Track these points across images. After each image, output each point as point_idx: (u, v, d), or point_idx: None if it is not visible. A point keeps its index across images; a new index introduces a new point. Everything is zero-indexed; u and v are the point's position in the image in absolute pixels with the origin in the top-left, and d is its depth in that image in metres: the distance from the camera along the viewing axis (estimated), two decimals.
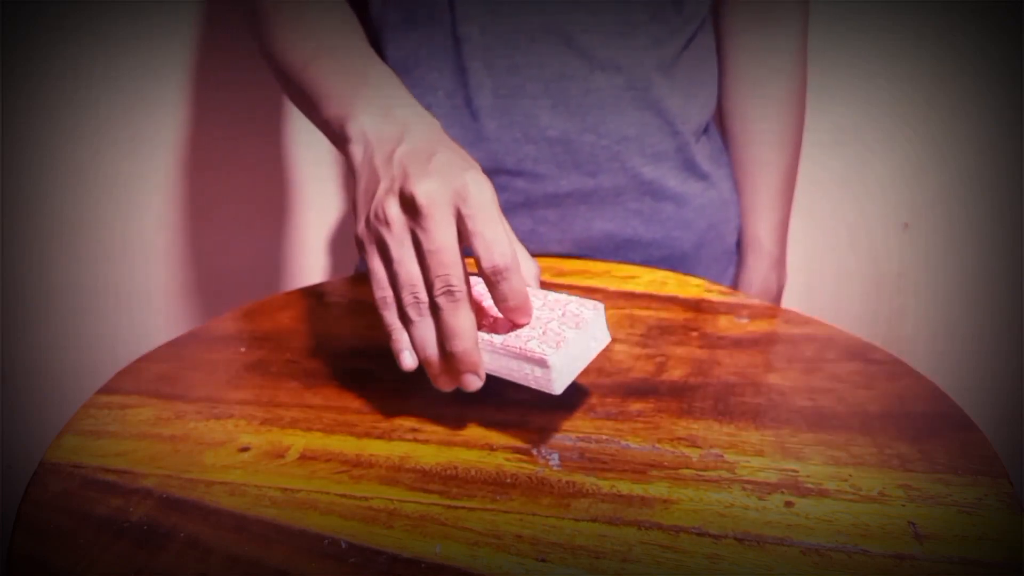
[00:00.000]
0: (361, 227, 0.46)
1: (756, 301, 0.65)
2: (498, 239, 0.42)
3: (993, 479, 0.44)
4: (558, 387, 0.44)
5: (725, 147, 0.80)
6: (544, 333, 0.45)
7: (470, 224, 0.42)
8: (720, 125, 0.81)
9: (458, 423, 0.48)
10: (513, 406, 0.50)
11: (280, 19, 0.63)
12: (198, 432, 0.47)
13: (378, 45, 0.70)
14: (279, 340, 0.58)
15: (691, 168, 0.73)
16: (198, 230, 1.00)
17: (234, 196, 0.99)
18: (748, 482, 0.43)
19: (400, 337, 0.46)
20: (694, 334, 0.59)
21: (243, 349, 0.57)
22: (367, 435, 0.47)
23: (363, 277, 0.68)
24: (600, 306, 0.48)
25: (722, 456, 0.46)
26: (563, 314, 0.47)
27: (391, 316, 0.46)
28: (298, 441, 0.47)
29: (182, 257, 1.01)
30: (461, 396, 0.51)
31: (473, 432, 0.48)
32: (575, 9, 0.66)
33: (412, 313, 0.44)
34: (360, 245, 0.46)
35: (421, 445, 0.47)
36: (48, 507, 0.41)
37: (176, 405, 0.50)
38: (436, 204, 0.42)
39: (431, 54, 0.68)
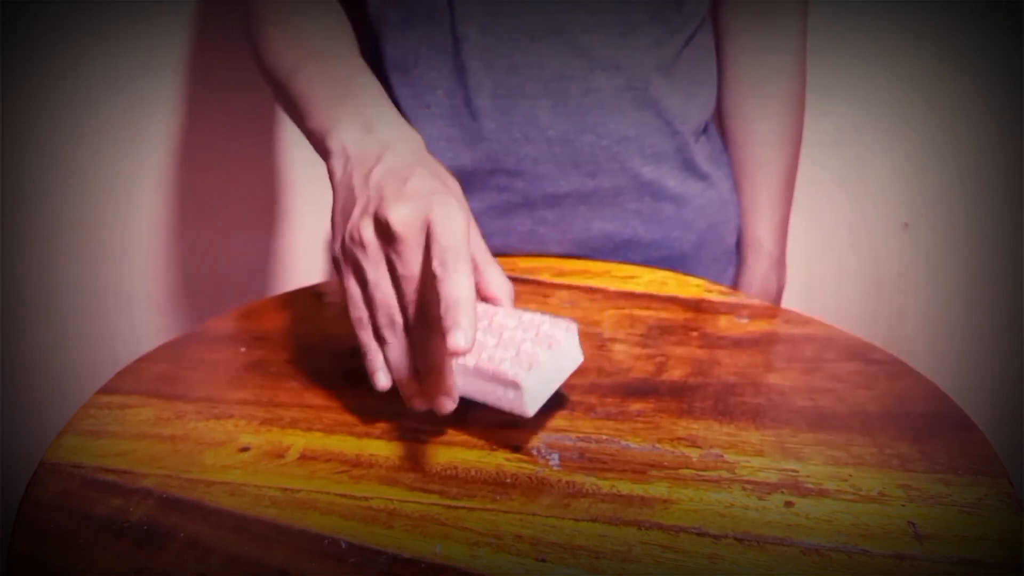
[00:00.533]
0: (337, 247, 0.46)
1: (756, 301, 0.65)
2: (454, 282, 0.41)
3: (993, 479, 0.44)
4: (531, 409, 0.44)
5: (724, 147, 0.80)
6: (518, 354, 0.45)
7: (434, 262, 0.42)
8: (719, 125, 0.81)
9: (458, 423, 0.48)
10: None
11: (270, 22, 0.62)
12: (198, 432, 0.47)
13: (377, 44, 0.70)
14: (279, 340, 0.58)
15: (691, 168, 0.72)
16: (198, 230, 1.00)
17: (234, 196, 0.99)
18: (748, 482, 0.43)
19: (375, 357, 0.46)
20: (694, 334, 0.59)
21: (243, 349, 0.57)
22: (367, 435, 0.47)
23: None
24: (574, 326, 0.47)
25: (722, 456, 0.46)
26: (536, 335, 0.46)
27: (367, 336, 0.46)
28: (298, 441, 0.47)
29: (182, 257, 1.01)
30: (462, 395, 0.51)
31: (473, 432, 0.48)
32: (575, 9, 0.66)
33: (387, 334, 0.45)
34: (336, 264, 0.47)
35: (421, 445, 0.47)
36: (48, 507, 0.41)
37: (176, 405, 0.50)
38: (409, 230, 0.43)
39: (430, 53, 0.68)
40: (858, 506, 0.42)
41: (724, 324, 0.60)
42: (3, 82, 0.87)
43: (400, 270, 0.44)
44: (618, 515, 0.41)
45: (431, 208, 0.43)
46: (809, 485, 0.43)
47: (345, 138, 0.49)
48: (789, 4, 0.76)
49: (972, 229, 0.99)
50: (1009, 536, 0.40)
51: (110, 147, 0.93)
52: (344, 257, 0.46)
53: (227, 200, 0.99)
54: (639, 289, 0.65)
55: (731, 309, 0.63)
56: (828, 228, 1.01)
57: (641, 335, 0.59)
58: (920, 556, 0.39)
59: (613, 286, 0.66)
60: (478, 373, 0.45)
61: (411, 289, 0.44)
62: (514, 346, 0.45)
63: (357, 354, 0.56)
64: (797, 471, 0.44)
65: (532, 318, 0.48)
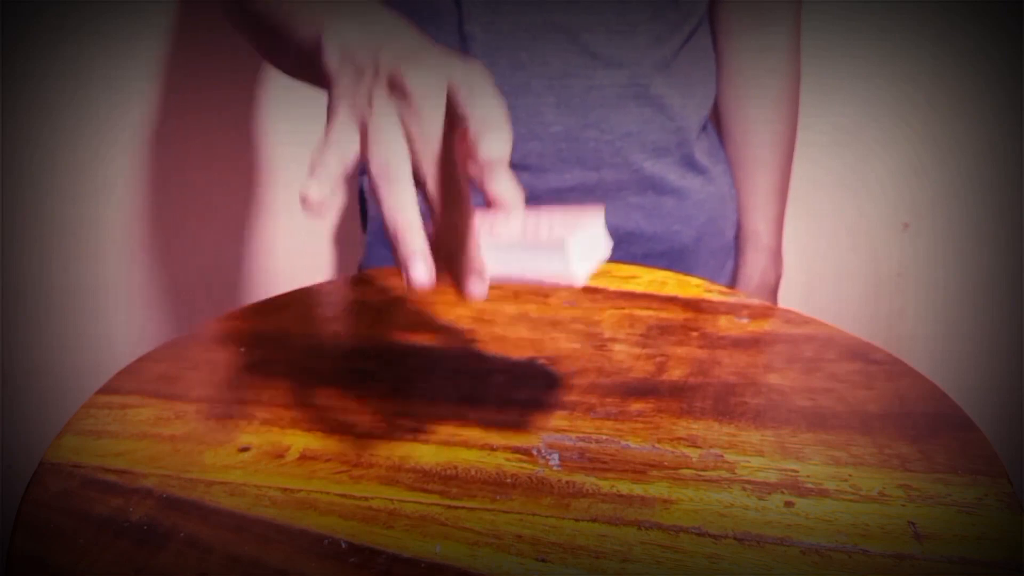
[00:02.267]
0: (343, 100, 0.40)
1: (756, 301, 0.65)
2: (495, 122, 0.37)
3: (993, 479, 0.44)
4: (580, 275, 0.39)
5: (721, 143, 0.81)
6: (551, 229, 0.40)
7: (465, 104, 0.37)
8: (715, 123, 0.81)
9: (458, 423, 0.48)
10: (513, 406, 0.50)
11: None
12: (198, 432, 0.47)
13: None
14: (279, 340, 0.58)
15: (691, 163, 0.73)
16: (198, 230, 1.00)
17: (234, 196, 0.99)
18: (748, 482, 0.43)
19: (414, 237, 0.37)
20: (694, 334, 0.59)
21: (243, 349, 0.57)
22: (367, 435, 0.47)
23: (364, 277, 0.68)
24: (598, 210, 0.43)
25: (722, 456, 0.46)
26: (562, 218, 0.42)
27: (398, 199, 0.38)
28: (298, 441, 0.47)
29: (182, 257, 1.01)
30: (461, 395, 0.51)
31: (473, 432, 0.48)
32: (578, 7, 0.66)
33: (383, 184, 0.38)
34: (332, 112, 0.40)
35: (421, 445, 0.47)
36: (48, 507, 0.41)
37: (176, 405, 0.50)
38: (429, 87, 0.38)
39: None
40: (858, 506, 0.42)
41: (724, 324, 0.60)
42: (3, 82, 0.87)
43: (415, 129, 0.38)
44: (618, 515, 0.41)
45: (454, 71, 0.39)
46: (809, 485, 0.43)
47: (342, 29, 0.44)
48: (782, 3, 0.77)
49: (972, 229, 0.99)
50: (1009, 536, 0.40)
51: (110, 147, 0.93)
52: (348, 102, 0.40)
53: (227, 200, 0.99)
54: (639, 289, 0.65)
55: (731, 309, 0.63)
56: (828, 228, 1.01)
57: (641, 335, 0.59)
58: (920, 556, 0.39)
59: (613, 286, 0.66)
60: (513, 244, 0.40)
61: (429, 153, 0.38)
62: (545, 227, 0.40)
63: (357, 354, 0.56)
64: (797, 471, 0.44)
65: (552, 209, 0.43)
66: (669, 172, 0.72)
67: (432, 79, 0.38)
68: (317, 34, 0.45)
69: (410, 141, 0.39)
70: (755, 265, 0.81)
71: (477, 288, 0.39)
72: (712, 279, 0.69)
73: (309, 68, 0.46)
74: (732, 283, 0.83)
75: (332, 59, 0.43)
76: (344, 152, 0.39)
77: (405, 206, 0.37)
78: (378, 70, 0.39)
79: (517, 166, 0.68)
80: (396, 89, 0.39)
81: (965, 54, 0.91)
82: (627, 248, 0.73)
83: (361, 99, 0.39)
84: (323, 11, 0.46)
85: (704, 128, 0.76)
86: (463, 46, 0.67)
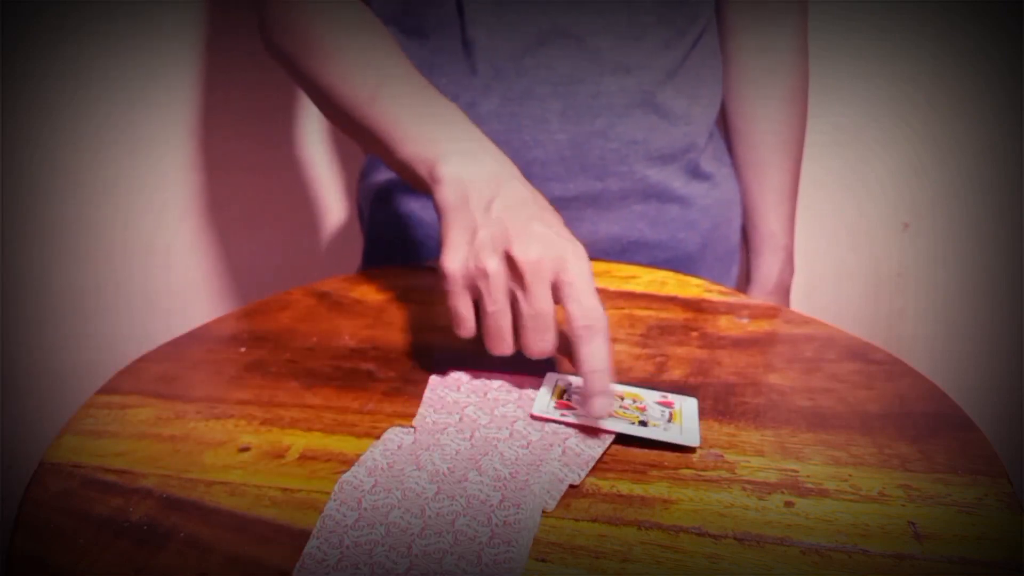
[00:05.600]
0: (457, 265, 0.47)
1: (756, 301, 0.65)
2: (594, 306, 0.45)
3: (993, 479, 0.44)
4: (693, 438, 0.46)
5: (730, 145, 0.81)
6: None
7: (568, 292, 0.45)
8: (725, 124, 0.81)
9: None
10: None
11: (328, 51, 0.60)
12: (198, 432, 0.47)
13: None
14: (279, 340, 0.58)
15: (696, 169, 0.73)
16: (198, 230, 1.00)
17: (235, 196, 0.99)
18: (748, 482, 0.43)
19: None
20: (694, 334, 0.59)
21: (243, 349, 0.57)
22: (367, 435, 0.47)
23: (364, 276, 0.68)
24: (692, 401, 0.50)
25: (722, 456, 0.46)
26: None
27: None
28: (298, 441, 0.47)
29: (182, 257, 1.01)
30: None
31: None
32: (584, 12, 0.66)
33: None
34: (450, 280, 0.47)
35: None
36: (48, 507, 0.41)
37: (176, 405, 0.50)
38: (540, 271, 0.45)
39: (442, 59, 0.67)
40: (858, 506, 0.42)
41: (724, 324, 0.60)
42: (3, 82, 0.87)
43: (526, 308, 0.46)
44: (618, 515, 0.41)
45: (563, 252, 0.45)
46: (809, 485, 0.43)
47: (457, 165, 0.50)
48: (790, 2, 0.77)
49: (972, 229, 0.99)
50: (1009, 536, 0.40)
51: (110, 147, 0.93)
52: (464, 280, 0.47)
53: (227, 201, 0.99)
54: (639, 289, 0.65)
55: (731, 309, 0.63)
56: (828, 228, 1.01)
57: (641, 335, 0.59)
58: (920, 556, 0.39)
59: (613, 286, 0.66)
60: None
61: (538, 325, 0.46)
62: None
63: (357, 354, 0.56)
64: (797, 471, 0.44)
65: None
66: (674, 180, 0.72)
67: (543, 263, 0.45)
68: (432, 160, 0.51)
69: (516, 316, 0.47)
70: (773, 266, 0.81)
71: (603, 408, 0.45)
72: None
73: (412, 180, 0.53)
74: (745, 286, 0.83)
75: (448, 196, 0.49)
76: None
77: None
78: (495, 237, 0.46)
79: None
80: (511, 264, 0.46)
81: (965, 54, 0.91)
82: (631, 256, 0.72)
83: (481, 261, 0.46)
84: (433, 134, 0.52)
85: (710, 132, 0.75)
86: (467, 52, 0.67)
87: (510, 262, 0.46)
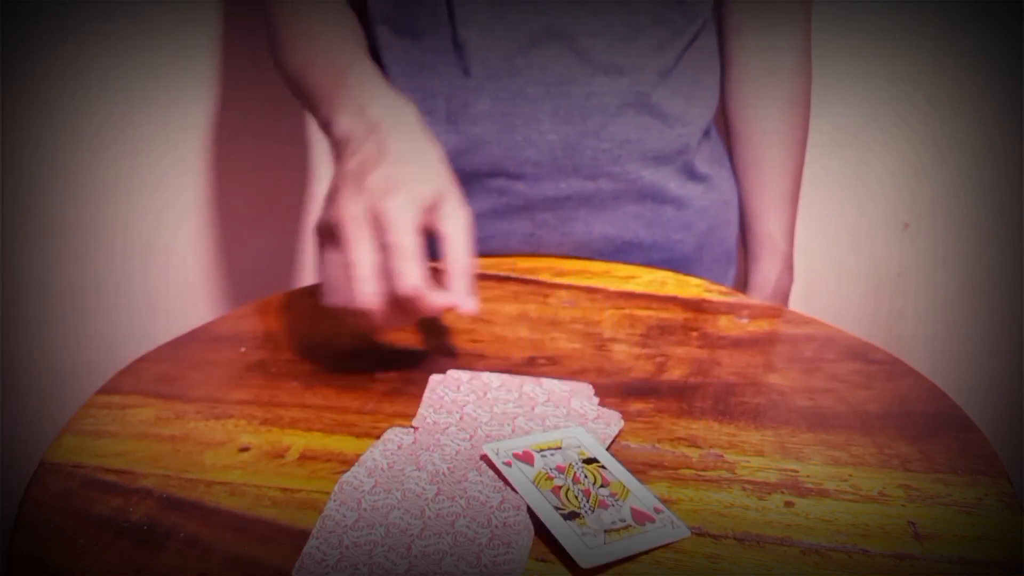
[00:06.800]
0: (322, 222, 0.49)
1: (756, 301, 0.65)
2: (405, 268, 0.45)
3: (993, 479, 0.44)
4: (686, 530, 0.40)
5: (731, 147, 0.80)
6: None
7: (438, 224, 0.48)
8: (726, 124, 0.81)
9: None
10: None
11: (287, 26, 0.67)
12: (198, 432, 0.47)
13: (381, 53, 0.70)
14: (279, 340, 0.58)
15: (692, 171, 0.72)
16: (198, 230, 1.00)
17: (235, 196, 0.99)
18: (748, 482, 0.43)
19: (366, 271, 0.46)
20: (694, 334, 0.59)
21: (243, 349, 0.57)
22: (367, 435, 0.47)
23: None
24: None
25: (722, 456, 0.46)
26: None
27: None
28: (298, 441, 0.47)
29: (182, 257, 1.01)
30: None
31: None
32: (577, 12, 0.65)
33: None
34: (319, 237, 0.50)
35: None
36: (48, 507, 0.41)
37: (176, 405, 0.50)
38: (355, 222, 0.46)
39: (434, 59, 0.68)
40: (858, 506, 0.42)
41: (724, 324, 0.60)
42: (3, 82, 0.87)
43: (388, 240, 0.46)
44: None
45: (384, 204, 0.46)
46: (809, 485, 0.43)
47: (341, 124, 0.53)
48: (793, 3, 0.76)
49: (972, 229, 0.99)
50: (1009, 536, 0.40)
51: (110, 147, 0.93)
52: (327, 233, 0.49)
53: (227, 200, 0.99)
54: (639, 289, 0.65)
55: (731, 309, 0.63)
56: (828, 228, 1.01)
57: (641, 335, 0.59)
58: (920, 556, 0.39)
59: (613, 286, 0.66)
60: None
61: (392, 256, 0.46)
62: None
63: (357, 354, 0.56)
64: (797, 471, 0.44)
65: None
66: (669, 181, 0.71)
67: (357, 214, 0.46)
68: (329, 120, 0.55)
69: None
70: (770, 271, 0.80)
71: (469, 304, 0.47)
72: None
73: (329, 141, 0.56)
74: (742, 290, 0.83)
75: (335, 155, 0.52)
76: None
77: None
78: (359, 191, 0.47)
79: (513, 175, 0.69)
80: (374, 212, 0.46)
81: (965, 54, 0.91)
82: (625, 257, 0.72)
83: (340, 212, 0.47)
84: (335, 94, 0.56)
85: (707, 133, 0.75)
86: (459, 53, 0.67)
87: (376, 213, 0.46)
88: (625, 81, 0.67)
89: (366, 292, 0.46)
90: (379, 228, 0.46)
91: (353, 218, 0.46)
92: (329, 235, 0.48)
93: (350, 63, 0.59)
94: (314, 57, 0.62)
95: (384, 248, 0.46)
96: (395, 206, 0.46)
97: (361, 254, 0.46)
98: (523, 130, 0.67)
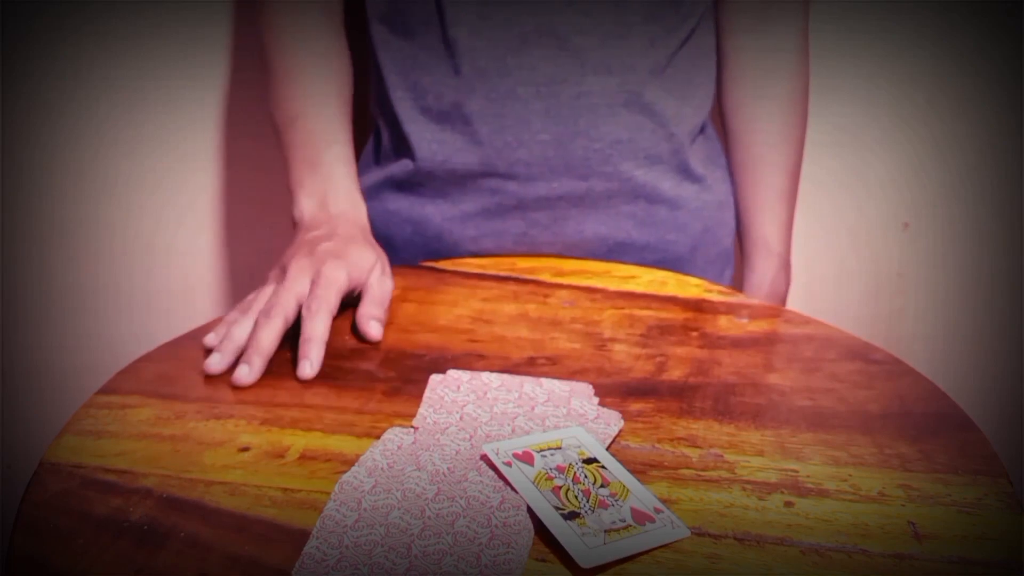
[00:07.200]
0: (272, 276, 0.60)
1: (756, 301, 0.65)
2: (313, 325, 0.55)
3: (993, 479, 0.44)
4: (686, 530, 0.40)
5: (728, 147, 0.80)
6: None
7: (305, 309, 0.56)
8: (723, 124, 0.80)
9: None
10: None
11: (282, 72, 0.71)
12: (198, 432, 0.47)
13: (376, 50, 0.70)
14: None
15: (685, 171, 0.72)
16: (198, 230, 1.00)
17: (235, 196, 0.99)
18: (748, 482, 0.43)
19: (229, 345, 0.54)
20: (694, 334, 0.59)
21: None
22: (367, 435, 0.47)
23: None
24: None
25: (722, 456, 0.46)
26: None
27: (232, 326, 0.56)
28: (298, 441, 0.47)
29: (182, 257, 1.01)
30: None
31: None
32: (568, 10, 0.65)
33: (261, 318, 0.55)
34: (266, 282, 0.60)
35: None
36: (48, 507, 0.41)
37: (176, 405, 0.50)
38: (299, 270, 0.58)
39: (427, 59, 0.68)
40: (858, 506, 0.42)
41: (724, 324, 0.60)
42: (3, 82, 0.87)
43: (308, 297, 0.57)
44: None
45: (320, 270, 0.57)
46: (809, 485, 0.43)
47: (304, 207, 0.66)
48: (790, 3, 0.76)
49: (972, 229, 0.99)
50: (1009, 536, 0.40)
51: (110, 147, 0.93)
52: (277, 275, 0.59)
53: (227, 200, 0.99)
54: (639, 289, 0.65)
55: (731, 309, 0.63)
56: (828, 228, 1.01)
57: (641, 335, 0.59)
58: (920, 556, 0.39)
59: (613, 286, 0.66)
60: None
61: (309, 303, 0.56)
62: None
63: (357, 354, 0.56)
64: (797, 471, 0.44)
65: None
66: (662, 181, 0.71)
67: (335, 273, 0.58)
68: (294, 193, 0.68)
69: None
70: (764, 274, 0.79)
71: (305, 370, 0.53)
72: None
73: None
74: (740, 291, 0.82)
75: (295, 225, 0.67)
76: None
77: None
78: (310, 262, 0.58)
79: (504, 174, 0.69)
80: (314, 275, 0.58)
81: (965, 54, 0.91)
82: (619, 257, 0.72)
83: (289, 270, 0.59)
84: (305, 173, 0.68)
85: (703, 132, 0.75)
86: (449, 53, 0.67)
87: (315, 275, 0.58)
88: (616, 80, 0.67)
89: (235, 335, 0.55)
90: (314, 280, 0.57)
91: (299, 268, 0.57)
92: (277, 275, 0.59)
93: (326, 147, 0.68)
94: (296, 119, 0.69)
95: (311, 289, 0.57)
96: (332, 267, 0.57)
97: (286, 295, 0.56)
98: (514, 130, 0.67)
